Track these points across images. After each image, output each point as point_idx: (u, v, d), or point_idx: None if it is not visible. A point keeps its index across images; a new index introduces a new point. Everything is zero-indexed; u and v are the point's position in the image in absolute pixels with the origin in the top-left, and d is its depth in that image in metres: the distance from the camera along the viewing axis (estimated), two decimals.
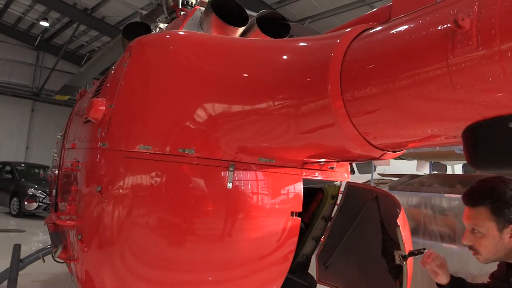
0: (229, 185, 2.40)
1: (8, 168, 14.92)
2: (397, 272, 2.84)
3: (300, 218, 2.57)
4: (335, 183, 3.45)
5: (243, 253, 2.51)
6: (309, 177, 2.63)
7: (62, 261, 3.62)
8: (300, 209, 2.56)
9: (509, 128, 1.39)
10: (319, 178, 2.78)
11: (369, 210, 3.37)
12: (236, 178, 2.44)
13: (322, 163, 2.63)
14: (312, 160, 2.52)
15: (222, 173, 2.43)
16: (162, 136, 2.58)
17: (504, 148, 1.44)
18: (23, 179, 13.81)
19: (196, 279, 2.54)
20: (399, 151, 2.06)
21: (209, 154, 2.45)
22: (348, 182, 3.73)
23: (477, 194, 2.01)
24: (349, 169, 3.28)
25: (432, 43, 1.46)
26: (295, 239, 2.58)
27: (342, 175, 3.04)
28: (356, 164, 11.97)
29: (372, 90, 1.72)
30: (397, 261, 2.69)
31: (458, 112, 1.50)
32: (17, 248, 5.22)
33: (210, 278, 2.54)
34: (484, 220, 1.95)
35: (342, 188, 3.71)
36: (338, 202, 3.74)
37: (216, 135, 2.44)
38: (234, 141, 2.42)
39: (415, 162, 8.80)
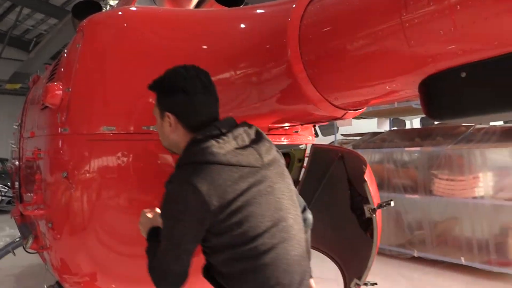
0: None
1: None
2: (367, 225, 2.99)
3: None
4: (300, 146, 3.53)
5: None
6: (274, 143, 2.67)
7: (34, 251, 3.56)
8: None
9: (461, 78, 1.47)
10: (285, 142, 2.83)
11: (336, 170, 3.49)
12: None
13: (287, 127, 2.67)
14: (277, 125, 2.55)
15: None
16: (124, 115, 2.54)
17: (457, 97, 1.52)
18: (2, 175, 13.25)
19: None
20: (360, 109, 2.13)
21: None
22: (313, 144, 3.82)
23: (157, 79, 2.00)
24: (313, 132, 3.35)
25: (385, 1, 1.50)
26: None
27: (307, 138, 3.11)
28: (319, 126, 12.17)
29: (331, 51, 1.76)
30: (367, 214, 2.83)
31: (414, 66, 1.56)
32: None
33: None
34: (155, 105, 2.00)
35: (308, 151, 3.80)
36: (305, 165, 3.85)
37: None
38: None
39: (375, 120, 9.08)
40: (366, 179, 2.75)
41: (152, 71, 2.50)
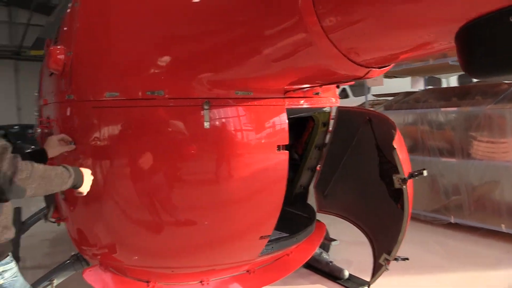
0: (206, 124, 2.21)
1: (1, 132, 14.73)
2: (398, 195, 2.74)
3: (287, 151, 2.41)
4: (324, 109, 3.26)
5: (231, 193, 2.38)
6: (293, 107, 2.43)
7: (54, 220, 3.54)
8: (286, 142, 2.39)
9: (509, 23, 1.17)
10: (305, 106, 2.57)
11: (363, 134, 3.22)
12: (213, 116, 2.25)
13: (305, 89, 2.41)
14: (294, 87, 2.30)
15: (197, 112, 2.23)
16: (127, 80, 2.34)
17: (504, 48, 1.23)
18: (19, 141, 13.66)
19: (184, 222, 2.43)
20: (385, 66, 1.84)
21: (181, 94, 2.24)
22: (338, 106, 3.54)
23: None
24: (338, 93, 3.06)
25: None
26: (284, 173, 2.43)
27: (329, 101, 2.84)
28: (350, 87, 11.71)
29: None
30: (397, 184, 2.57)
31: (450, 10, 1.26)
32: (17, 211, 5.17)
33: (202, 220, 2.44)
34: None
35: (334, 114, 3.54)
36: (331, 128, 3.59)
37: (185, 72, 2.20)
38: (205, 76, 2.19)
39: (409, 79, 8.56)
40: (395, 146, 2.48)
41: (153, 31, 2.30)
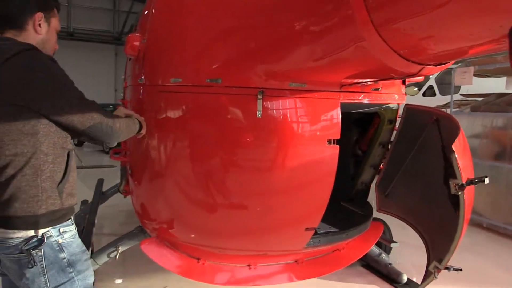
0: (259, 113, 2.27)
1: None
2: (457, 201, 2.58)
3: (338, 145, 2.38)
4: (391, 106, 3.14)
5: (278, 182, 2.42)
6: (349, 101, 2.39)
7: (124, 194, 3.83)
8: (337, 136, 2.37)
9: None
10: (362, 101, 2.51)
11: (430, 134, 3.06)
12: (266, 106, 2.30)
13: (361, 84, 2.35)
14: (349, 81, 2.26)
15: (251, 101, 2.29)
16: (190, 67, 2.48)
17: None
18: None
19: (233, 205, 2.53)
20: (442, 64, 1.74)
21: (237, 83, 2.32)
22: (406, 104, 3.40)
23: None
24: (403, 89, 2.93)
25: None
26: (333, 168, 2.41)
27: (391, 97, 2.73)
28: (437, 84, 11.02)
29: None
30: (453, 190, 2.42)
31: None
32: (100, 182, 5.69)
33: (248, 206, 2.51)
34: None
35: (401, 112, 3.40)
36: (397, 126, 3.46)
37: (241, 62, 2.27)
38: (260, 66, 2.24)
39: (504, 79, 7.85)
40: (454, 149, 2.33)
41: (217, 22, 2.40)
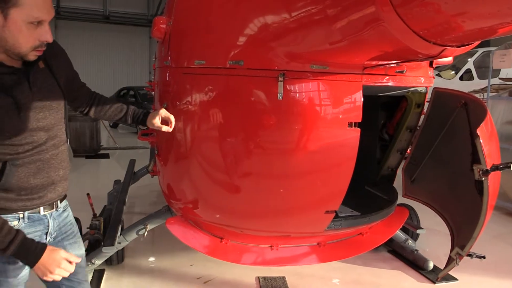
0: (280, 95, 2.28)
1: (131, 92, 16.48)
2: (482, 187, 2.51)
3: (359, 129, 2.36)
4: (419, 89, 3.07)
5: (298, 164, 2.44)
6: (372, 84, 2.36)
7: (151, 174, 3.94)
8: (359, 119, 2.34)
9: None
10: (386, 84, 2.47)
11: (458, 119, 2.98)
12: (287, 88, 2.30)
13: (384, 66, 2.31)
14: (371, 63, 2.23)
15: (273, 83, 2.30)
16: (213, 50, 2.50)
17: None
18: (145, 102, 15.13)
19: (254, 186, 2.57)
20: (465, 45, 1.69)
21: (258, 65, 2.32)
22: (435, 88, 3.31)
23: None
24: (431, 72, 2.84)
25: None
26: (354, 151, 2.39)
27: (417, 80, 2.66)
28: (475, 68, 10.59)
29: None
30: (477, 175, 2.36)
31: None
32: (132, 162, 5.87)
33: (268, 187, 2.55)
34: None
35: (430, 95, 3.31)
36: (425, 111, 3.38)
37: (263, 44, 2.28)
38: (281, 48, 2.24)
39: None
40: (478, 134, 2.27)
41: (237, 4, 2.40)
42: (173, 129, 2.35)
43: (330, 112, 2.32)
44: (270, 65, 2.29)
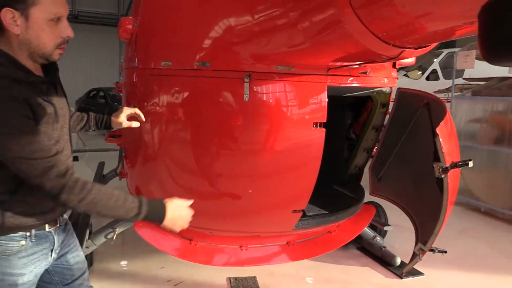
0: (246, 96, 2.30)
1: (101, 93, 16.17)
2: (442, 184, 2.60)
3: (324, 129, 2.40)
4: (384, 90, 3.15)
5: (264, 164, 2.46)
6: (336, 85, 2.41)
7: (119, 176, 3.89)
8: (324, 120, 2.39)
9: None
10: (353, 85, 2.52)
11: (420, 118, 3.08)
12: (253, 90, 2.32)
13: (348, 67, 2.36)
14: (335, 65, 2.27)
15: (239, 84, 2.31)
16: (179, 51, 2.50)
17: None
18: (115, 103, 14.86)
19: (220, 187, 2.58)
20: (421, 47, 1.75)
21: (225, 66, 2.33)
22: (399, 88, 3.40)
23: None
24: (395, 73, 2.92)
25: None
26: (319, 151, 2.44)
27: (380, 81, 2.73)
28: (440, 68, 10.92)
29: None
30: (437, 173, 2.44)
31: None
32: (101, 165, 5.77)
33: (235, 187, 2.56)
34: None
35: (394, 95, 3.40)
36: (390, 110, 3.47)
37: (229, 45, 2.29)
38: (246, 50, 2.26)
39: None
40: (438, 133, 2.35)
41: (203, 6, 2.41)
42: (140, 131, 2.32)
43: (296, 112, 2.35)
44: (236, 67, 2.31)
